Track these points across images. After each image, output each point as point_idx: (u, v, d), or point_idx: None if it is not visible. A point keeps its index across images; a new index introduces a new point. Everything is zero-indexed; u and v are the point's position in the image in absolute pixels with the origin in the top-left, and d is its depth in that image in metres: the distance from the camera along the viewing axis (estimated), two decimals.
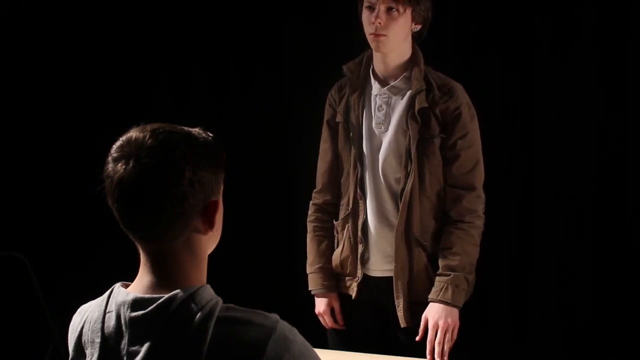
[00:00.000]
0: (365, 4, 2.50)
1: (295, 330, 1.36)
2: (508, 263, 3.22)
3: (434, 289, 2.48)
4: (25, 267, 3.35)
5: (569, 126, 3.09)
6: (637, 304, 3.04)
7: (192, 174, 1.33)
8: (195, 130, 1.40)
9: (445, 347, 2.41)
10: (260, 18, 3.49)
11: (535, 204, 3.17)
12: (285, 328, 1.35)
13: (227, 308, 1.35)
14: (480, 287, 3.23)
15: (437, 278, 2.49)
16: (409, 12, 2.47)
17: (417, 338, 2.47)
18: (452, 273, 2.47)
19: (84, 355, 1.40)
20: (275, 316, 1.35)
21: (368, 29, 2.50)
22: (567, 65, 3.08)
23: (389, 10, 2.45)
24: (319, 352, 1.43)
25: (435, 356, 2.39)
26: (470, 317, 3.24)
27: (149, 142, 1.33)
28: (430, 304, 2.47)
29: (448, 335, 2.42)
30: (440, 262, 2.50)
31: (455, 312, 2.46)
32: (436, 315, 2.44)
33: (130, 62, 3.58)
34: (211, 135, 1.41)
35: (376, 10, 2.46)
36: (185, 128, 1.40)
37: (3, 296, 3.55)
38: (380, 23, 2.45)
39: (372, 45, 2.52)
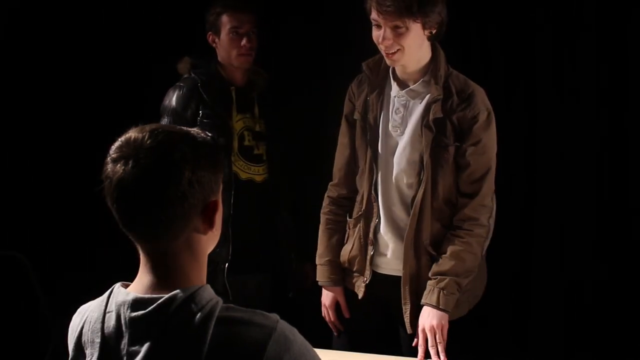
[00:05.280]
0: (373, 21, 2.41)
1: (295, 330, 1.37)
2: (509, 263, 3.21)
3: (424, 293, 2.47)
4: (25, 267, 3.34)
5: (572, 129, 3.08)
6: (638, 305, 3.03)
7: (192, 174, 1.33)
8: (194, 130, 1.40)
9: (439, 347, 2.40)
10: (273, 11, 3.48)
11: (537, 204, 3.16)
12: (286, 328, 1.35)
13: (227, 308, 1.35)
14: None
15: (427, 282, 2.48)
16: (417, 25, 2.37)
17: (414, 344, 2.46)
18: (439, 277, 2.45)
19: (84, 355, 1.40)
20: (275, 316, 1.35)
21: (379, 46, 2.43)
22: (570, 66, 3.07)
23: (395, 28, 2.36)
24: (319, 352, 1.43)
25: (433, 357, 2.39)
26: (471, 317, 3.25)
27: (147, 142, 1.33)
28: (422, 308, 2.47)
29: (438, 337, 2.40)
30: (433, 267, 2.49)
31: (442, 315, 2.43)
32: (422, 319, 2.44)
33: (130, 62, 3.58)
34: (209, 135, 1.42)
35: (382, 30, 2.38)
36: (184, 128, 1.40)
37: (3, 296, 3.55)
38: (388, 43, 2.38)
39: (388, 62, 2.46)
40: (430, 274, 2.48)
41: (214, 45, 3.03)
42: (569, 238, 3.12)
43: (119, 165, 1.32)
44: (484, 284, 2.66)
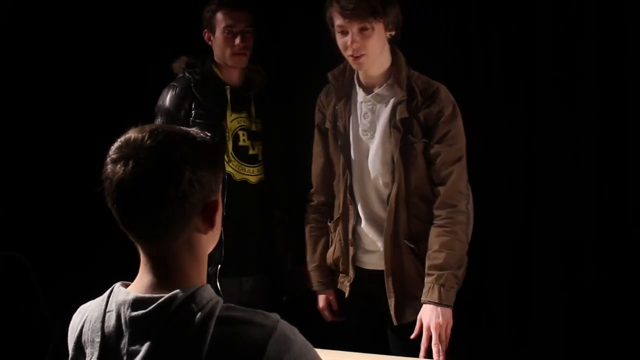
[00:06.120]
0: (337, 29, 2.51)
1: (295, 330, 1.37)
2: (509, 264, 3.21)
3: (423, 290, 2.51)
4: (25, 267, 3.34)
5: (572, 129, 3.08)
6: (638, 305, 3.03)
7: (192, 174, 1.33)
8: (193, 130, 1.41)
9: (441, 346, 2.42)
10: (272, 9, 3.48)
11: (537, 204, 3.16)
12: (286, 327, 1.35)
13: (227, 308, 1.35)
14: (481, 287, 3.24)
15: (425, 279, 2.53)
16: (380, 26, 2.49)
17: (412, 336, 2.49)
18: (436, 272, 2.49)
19: (84, 355, 1.40)
20: (275, 316, 1.35)
21: (345, 52, 2.53)
22: (570, 66, 3.07)
23: (361, 30, 2.47)
24: (319, 352, 1.43)
25: (434, 356, 2.41)
26: (471, 317, 3.25)
27: (147, 142, 1.33)
28: (423, 305, 2.50)
29: (442, 335, 2.44)
30: (426, 263, 2.54)
31: (446, 311, 2.47)
32: (427, 317, 2.46)
33: (130, 62, 3.58)
34: (209, 135, 1.42)
35: (350, 34, 2.48)
36: (184, 128, 1.41)
37: (3, 296, 3.55)
38: (356, 45, 2.48)
39: (354, 66, 2.56)
40: (426, 271, 2.53)
41: (209, 43, 3.00)
42: (569, 238, 3.11)
43: (119, 165, 1.32)
44: (464, 272, 2.69)
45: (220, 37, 2.93)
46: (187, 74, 2.98)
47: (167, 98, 2.95)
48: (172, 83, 2.99)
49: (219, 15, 2.92)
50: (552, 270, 3.14)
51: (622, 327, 3.05)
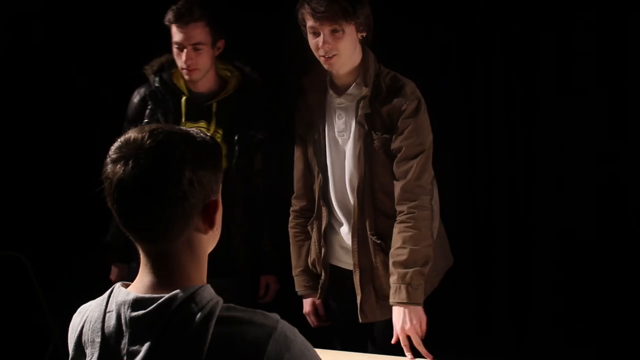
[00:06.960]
0: (309, 30, 2.53)
1: (295, 330, 1.37)
2: (509, 263, 3.21)
3: (390, 292, 2.47)
4: (25, 267, 3.35)
5: (572, 129, 3.08)
6: (638, 305, 3.03)
7: (192, 174, 1.33)
8: (193, 130, 1.41)
9: (420, 342, 2.41)
10: (247, 18, 3.47)
11: (536, 204, 3.16)
12: (286, 327, 1.35)
13: (227, 308, 1.35)
14: (481, 288, 3.24)
15: (390, 279, 2.49)
16: (352, 27, 2.50)
17: (392, 341, 2.46)
18: (400, 270, 2.45)
19: (84, 355, 1.40)
20: (275, 316, 1.36)
21: (317, 53, 2.54)
22: (570, 66, 3.07)
23: (332, 32, 2.48)
24: (319, 352, 1.43)
25: (424, 354, 2.39)
26: (470, 319, 3.25)
27: (147, 142, 1.33)
28: (393, 308, 2.46)
29: (419, 334, 2.41)
30: (390, 260, 2.51)
31: (417, 309, 2.43)
32: (400, 320, 2.43)
33: (130, 62, 3.58)
34: (209, 135, 1.42)
35: (321, 35, 2.50)
36: (183, 128, 1.41)
37: (3, 296, 3.55)
38: (328, 47, 2.49)
39: (325, 66, 2.57)
40: (390, 269, 2.50)
41: None
42: (569, 238, 3.11)
43: (118, 165, 1.32)
44: (447, 262, 2.71)
45: (174, 50, 2.85)
46: (151, 79, 2.95)
47: (130, 104, 2.98)
48: (139, 87, 2.99)
49: (172, 28, 2.83)
50: (552, 271, 3.14)
51: (622, 327, 3.05)
